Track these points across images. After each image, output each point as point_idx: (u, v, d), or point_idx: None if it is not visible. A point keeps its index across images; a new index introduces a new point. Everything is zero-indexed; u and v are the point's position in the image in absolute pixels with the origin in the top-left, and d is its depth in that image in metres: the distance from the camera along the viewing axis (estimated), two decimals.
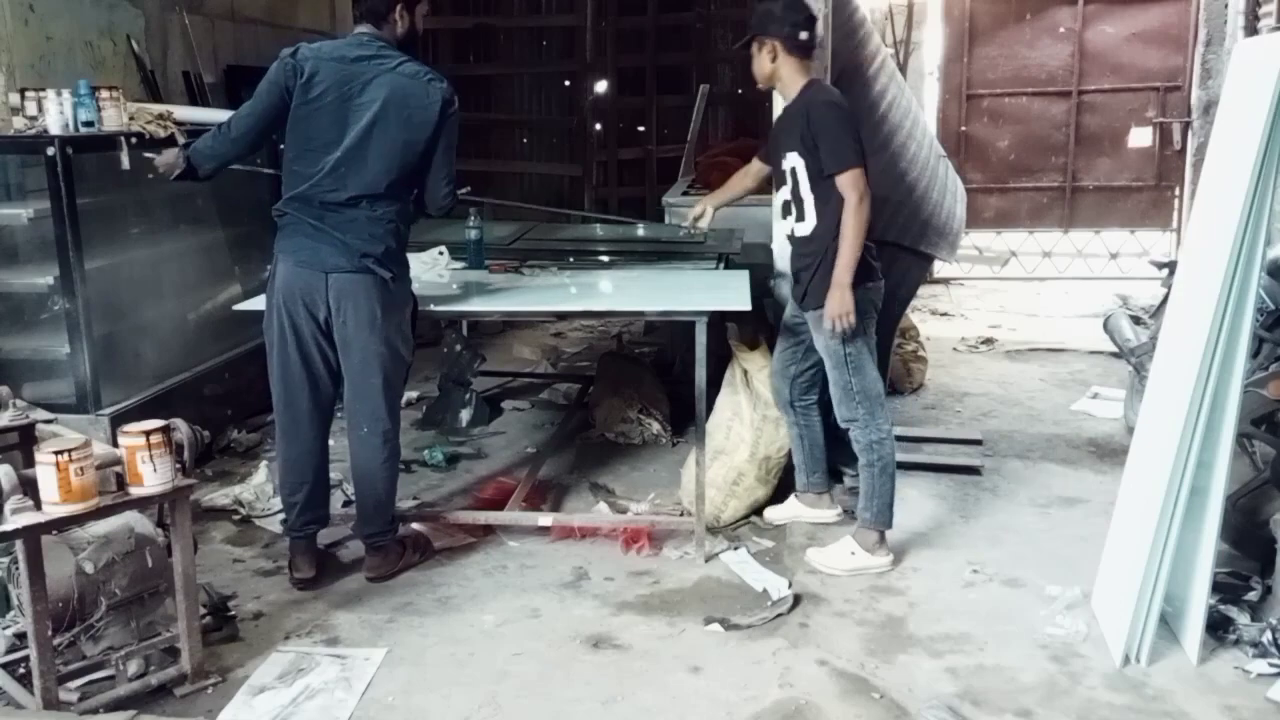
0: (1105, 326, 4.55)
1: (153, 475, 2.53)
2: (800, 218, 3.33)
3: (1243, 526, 3.12)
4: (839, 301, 3.19)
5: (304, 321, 3.17)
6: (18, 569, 2.45)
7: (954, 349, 6.24)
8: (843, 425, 3.41)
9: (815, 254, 3.29)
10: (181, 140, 4.31)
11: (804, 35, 3.28)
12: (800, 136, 3.24)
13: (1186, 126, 7.51)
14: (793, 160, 3.30)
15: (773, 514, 3.74)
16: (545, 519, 3.68)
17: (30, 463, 2.57)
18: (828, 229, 3.24)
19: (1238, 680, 2.71)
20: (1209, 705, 2.62)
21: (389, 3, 3.14)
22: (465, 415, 4.86)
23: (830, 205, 3.22)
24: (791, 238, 3.43)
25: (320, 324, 3.18)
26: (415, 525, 3.64)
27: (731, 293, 3.54)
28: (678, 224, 5.34)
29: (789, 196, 3.37)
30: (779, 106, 3.76)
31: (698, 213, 3.75)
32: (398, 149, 3.11)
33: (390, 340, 3.20)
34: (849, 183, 3.16)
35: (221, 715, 2.63)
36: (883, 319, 3.87)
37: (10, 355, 3.96)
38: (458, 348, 4.95)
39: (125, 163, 4.01)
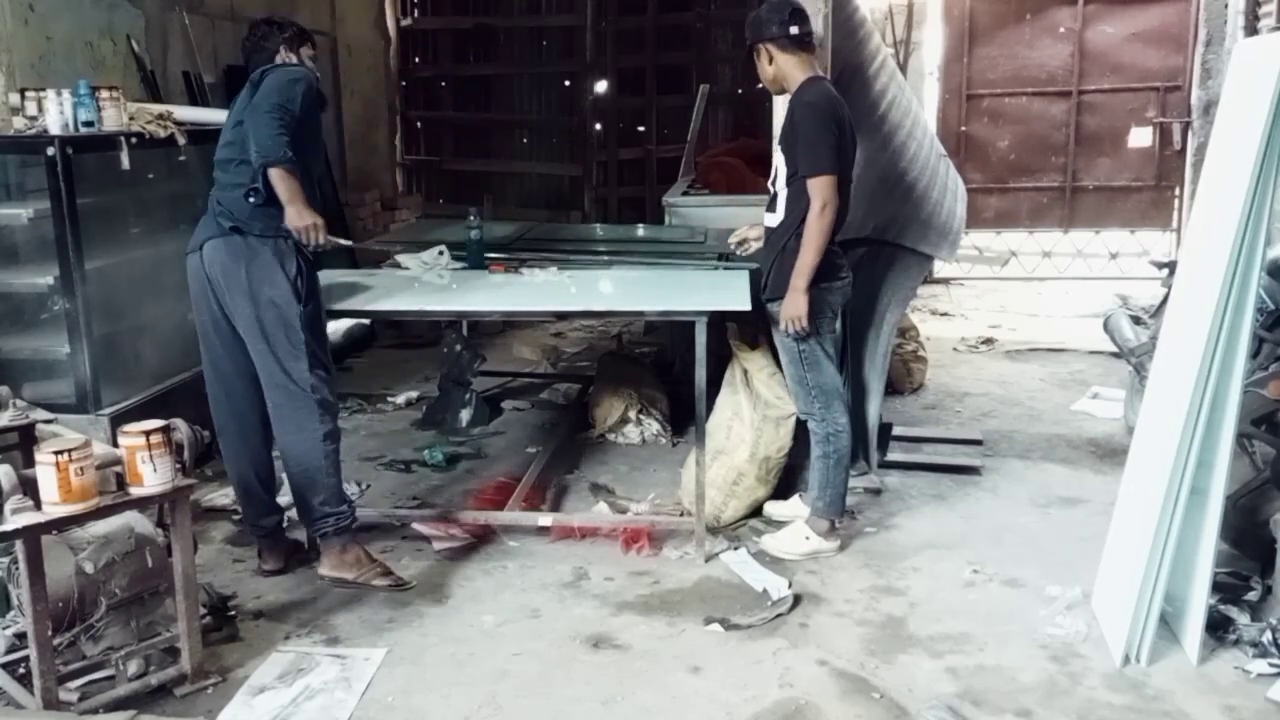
0: (1105, 326, 4.55)
1: (153, 475, 2.53)
2: (771, 208, 3.40)
3: (1243, 526, 3.12)
4: (793, 304, 3.25)
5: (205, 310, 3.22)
6: (18, 569, 2.45)
7: (954, 349, 6.24)
8: (802, 417, 3.52)
9: (775, 246, 3.36)
10: (182, 140, 4.32)
11: (794, 30, 3.29)
12: (784, 133, 3.32)
13: (1186, 126, 7.51)
14: (779, 154, 3.38)
15: (773, 508, 3.75)
16: (545, 519, 3.68)
17: (30, 463, 2.57)
18: (790, 224, 3.30)
19: (1238, 680, 2.71)
20: (1209, 705, 2.62)
21: (275, 46, 3.30)
22: (465, 415, 4.86)
23: (799, 204, 3.26)
24: (766, 226, 3.48)
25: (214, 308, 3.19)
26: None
27: (731, 293, 3.54)
28: (678, 224, 5.36)
29: (770, 185, 3.43)
30: (780, 108, 3.77)
31: (739, 239, 3.77)
32: (231, 123, 3.22)
33: (263, 297, 3.10)
34: (815, 189, 3.19)
35: (221, 715, 2.63)
36: (883, 319, 3.89)
37: (10, 355, 3.96)
38: (458, 348, 4.95)
39: (125, 163, 4.01)
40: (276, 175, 3.01)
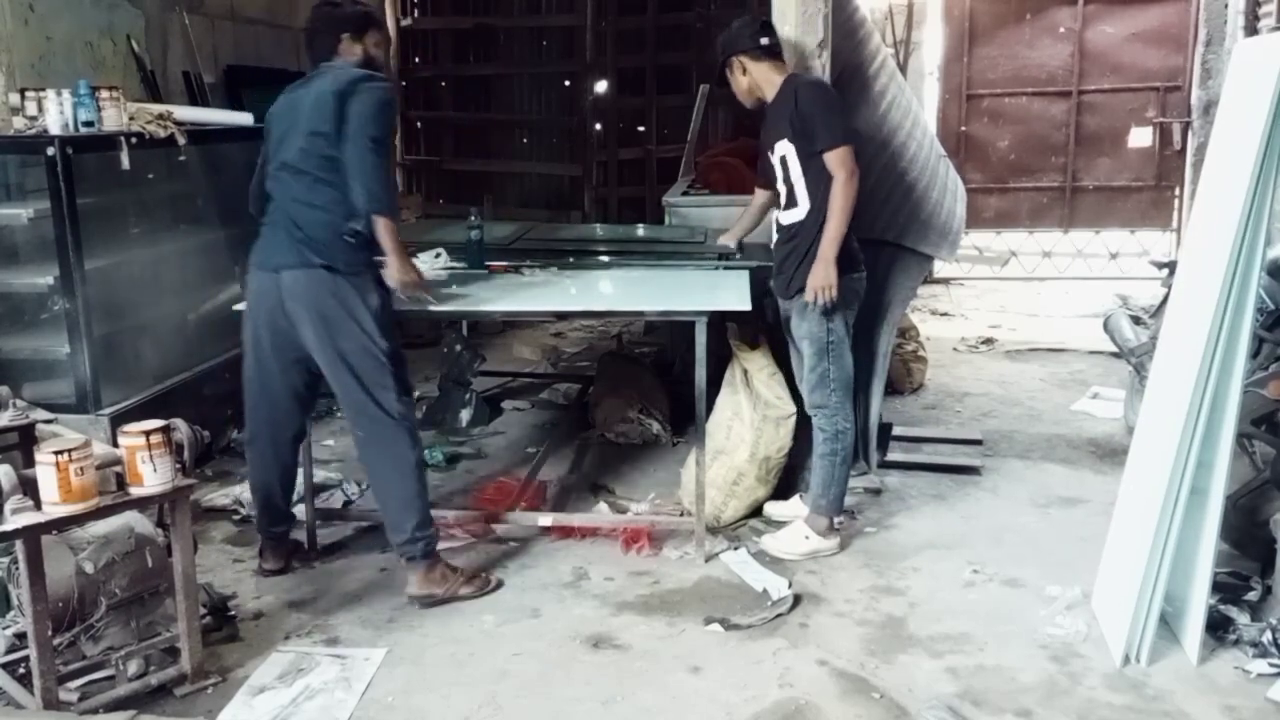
0: (1105, 326, 4.54)
1: (153, 475, 2.53)
2: (791, 204, 3.37)
3: (1243, 526, 3.12)
4: (822, 275, 3.25)
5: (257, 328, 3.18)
6: (18, 569, 2.45)
7: (954, 349, 6.24)
8: (810, 411, 3.50)
9: (806, 239, 3.34)
10: (182, 140, 4.32)
11: (765, 40, 3.39)
12: (789, 120, 3.31)
13: (1186, 126, 7.51)
14: (782, 148, 3.35)
15: (773, 509, 3.75)
16: (545, 519, 3.68)
17: (30, 463, 2.57)
18: (820, 212, 3.28)
19: (1238, 680, 2.71)
20: (1209, 705, 2.62)
21: (332, 37, 3.15)
22: (465, 415, 4.86)
23: (822, 188, 3.27)
24: (779, 226, 3.47)
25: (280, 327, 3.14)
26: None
27: (731, 293, 3.54)
28: (678, 224, 5.35)
29: (779, 186, 3.42)
30: None
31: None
32: (307, 135, 3.05)
33: (352, 334, 3.07)
34: (838, 160, 3.22)
35: (221, 715, 2.63)
36: (883, 319, 3.88)
37: (10, 355, 3.96)
38: (458, 348, 4.95)
39: (125, 163, 4.01)
40: (384, 226, 2.99)
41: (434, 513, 3.78)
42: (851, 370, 3.45)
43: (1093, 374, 5.62)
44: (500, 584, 3.30)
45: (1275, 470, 3.06)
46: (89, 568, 2.64)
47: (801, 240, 3.35)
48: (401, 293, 3.13)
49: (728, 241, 3.94)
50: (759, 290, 3.62)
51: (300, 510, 3.52)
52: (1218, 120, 2.97)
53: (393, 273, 3.06)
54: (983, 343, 6.37)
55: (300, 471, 3.48)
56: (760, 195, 3.73)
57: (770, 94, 3.40)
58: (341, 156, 2.98)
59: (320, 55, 3.17)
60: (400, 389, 3.14)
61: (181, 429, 2.68)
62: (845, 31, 3.83)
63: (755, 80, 3.41)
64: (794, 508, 3.71)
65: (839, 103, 3.37)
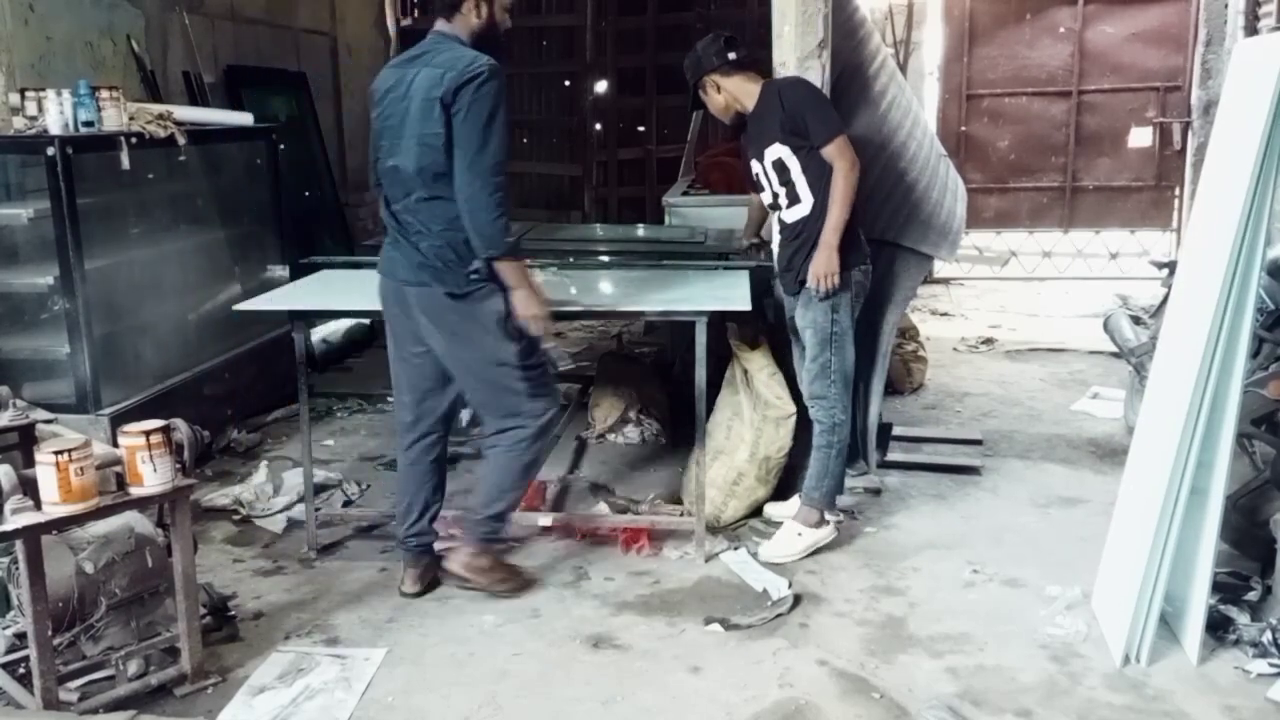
0: (1105, 326, 4.54)
1: (153, 475, 2.53)
2: (794, 202, 3.38)
3: (1243, 526, 3.12)
4: (825, 261, 3.28)
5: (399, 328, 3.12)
6: (18, 569, 2.45)
7: (954, 349, 6.24)
8: (808, 402, 3.51)
9: (812, 233, 3.35)
10: (182, 140, 4.33)
11: (732, 55, 3.41)
12: (779, 123, 3.32)
13: (1186, 126, 7.51)
14: (776, 152, 3.36)
15: (773, 509, 3.75)
16: (545, 519, 3.68)
17: (30, 463, 2.57)
18: (824, 206, 3.30)
19: (1238, 680, 2.71)
20: (1209, 705, 2.62)
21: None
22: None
23: (824, 181, 3.29)
24: (782, 225, 3.48)
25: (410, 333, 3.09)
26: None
27: (731, 293, 3.54)
28: (678, 224, 5.36)
29: (776, 189, 3.42)
30: None
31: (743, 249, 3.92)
32: (416, 143, 2.90)
33: (482, 351, 3.01)
34: (836, 150, 3.24)
35: (221, 715, 2.63)
36: (883, 319, 3.88)
37: (10, 355, 3.96)
38: None
39: (125, 163, 4.02)
40: (504, 268, 2.92)
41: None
42: (853, 363, 3.46)
43: (1093, 374, 5.62)
44: (531, 582, 3.30)
45: (1275, 470, 3.06)
46: (89, 568, 2.64)
47: (808, 235, 3.36)
48: (526, 327, 3.00)
49: (748, 240, 3.97)
50: (759, 290, 3.63)
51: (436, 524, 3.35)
52: (1218, 120, 2.97)
53: (519, 305, 2.95)
54: (983, 343, 6.37)
55: (301, 471, 3.48)
56: (758, 198, 3.73)
57: (750, 104, 3.42)
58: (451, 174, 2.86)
59: (439, 9, 2.98)
60: (534, 390, 3.07)
61: (181, 429, 2.68)
62: (845, 31, 3.83)
63: (732, 95, 3.43)
64: (794, 508, 3.71)
65: (824, 95, 3.42)
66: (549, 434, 3.20)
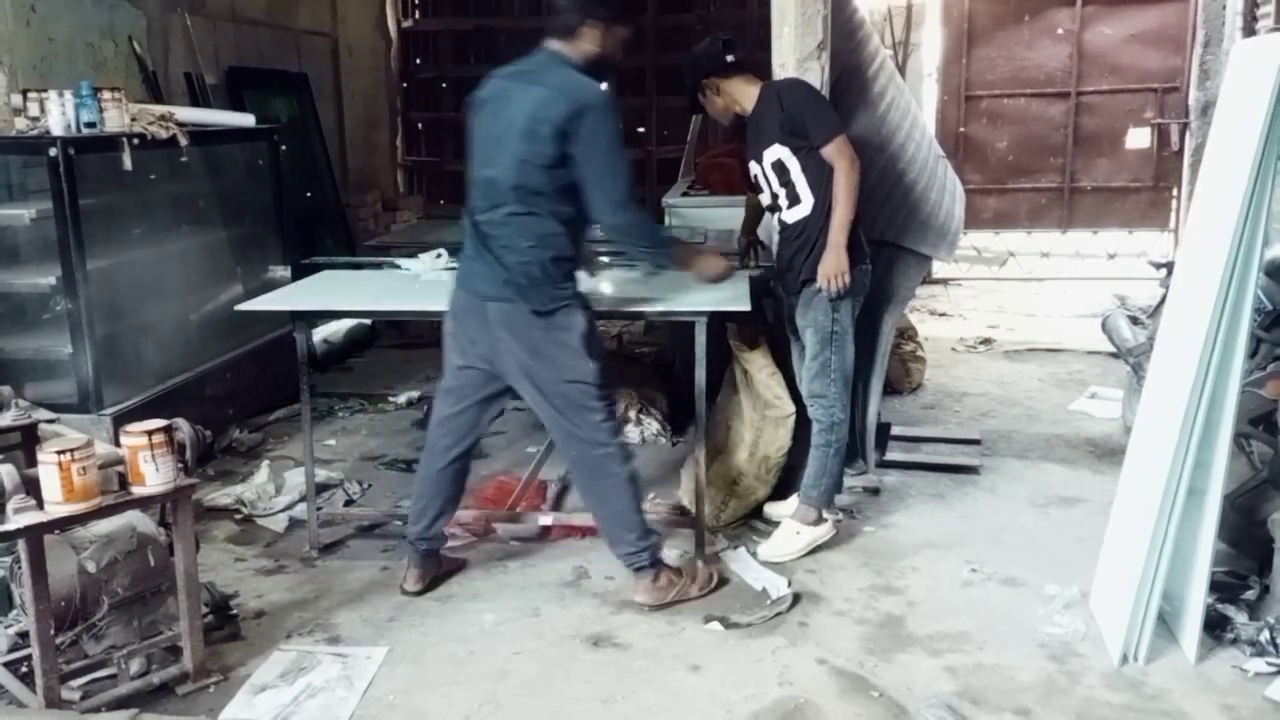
0: (1103, 327, 4.56)
1: (155, 475, 2.54)
2: (794, 202, 3.39)
3: (1240, 526, 3.13)
4: (834, 261, 3.29)
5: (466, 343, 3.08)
6: (20, 568, 2.47)
7: (952, 349, 6.25)
8: (807, 401, 3.52)
9: (813, 233, 3.36)
10: (184, 141, 4.34)
11: (730, 57, 3.42)
12: (779, 124, 3.33)
13: (1184, 127, 7.52)
14: (775, 152, 3.37)
15: (773, 509, 3.76)
16: (545, 519, 3.69)
17: (33, 462, 2.57)
18: (825, 205, 3.32)
19: (1235, 679, 2.72)
20: (1207, 704, 2.63)
21: (579, 17, 2.93)
22: None
23: (824, 181, 3.30)
24: (782, 226, 3.49)
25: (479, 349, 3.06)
26: (700, 562, 3.41)
27: (731, 293, 3.55)
28: (678, 225, 5.36)
29: (776, 190, 3.43)
30: None
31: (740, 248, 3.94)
32: (516, 159, 2.89)
33: (561, 371, 2.99)
34: (836, 150, 3.26)
35: (223, 714, 2.64)
36: (882, 319, 3.90)
37: (13, 355, 3.97)
38: None
39: (127, 163, 4.03)
40: (676, 257, 3.23)
41: None
42: (852, 362, 3.47)
43: (1091, 374, 5.63)
44: (726, 581, 3.29)
45: (1273, 470, 3.07)
46: (91, 567, 2.65)
47: (809, 235, 3.37)
48: (708, 280, 3.30)
49: (745, 238, 3.96)
50: (759, 290, 3.64)
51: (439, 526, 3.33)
52: (1216, 121, 2.98)
53: (709, 271, 3.28)
54: (981, 343, 6.38)
55: (302, 471, 3.49)
56: (754, 198, 3.74)
57: (749, 106, 3.43)
58: (573, 178, 2.87)
59: (557, 30, 2.97)
60: (606, 410, 3.06)
61: (183, 428, 2.69)
62: (844, 33, 3.84)
63: (731, 97, 3.44)
64: (793, 508, 3.72)
65: (822, 96, 3.45)
66: (627, 452, 3.16)
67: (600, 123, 2.84)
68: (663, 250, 3.21)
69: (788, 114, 3.30)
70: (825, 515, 3.53)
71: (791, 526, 3.50)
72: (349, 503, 4.01)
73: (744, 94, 3.43)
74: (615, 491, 3.11)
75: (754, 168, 3.47)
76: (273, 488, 3.99)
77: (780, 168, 3.37)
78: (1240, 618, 2.89)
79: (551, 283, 2.94)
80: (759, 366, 3.72)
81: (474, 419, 3.20)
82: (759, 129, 3.42)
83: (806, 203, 3.36)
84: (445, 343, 3.16)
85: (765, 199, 3.53)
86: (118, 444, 2.68)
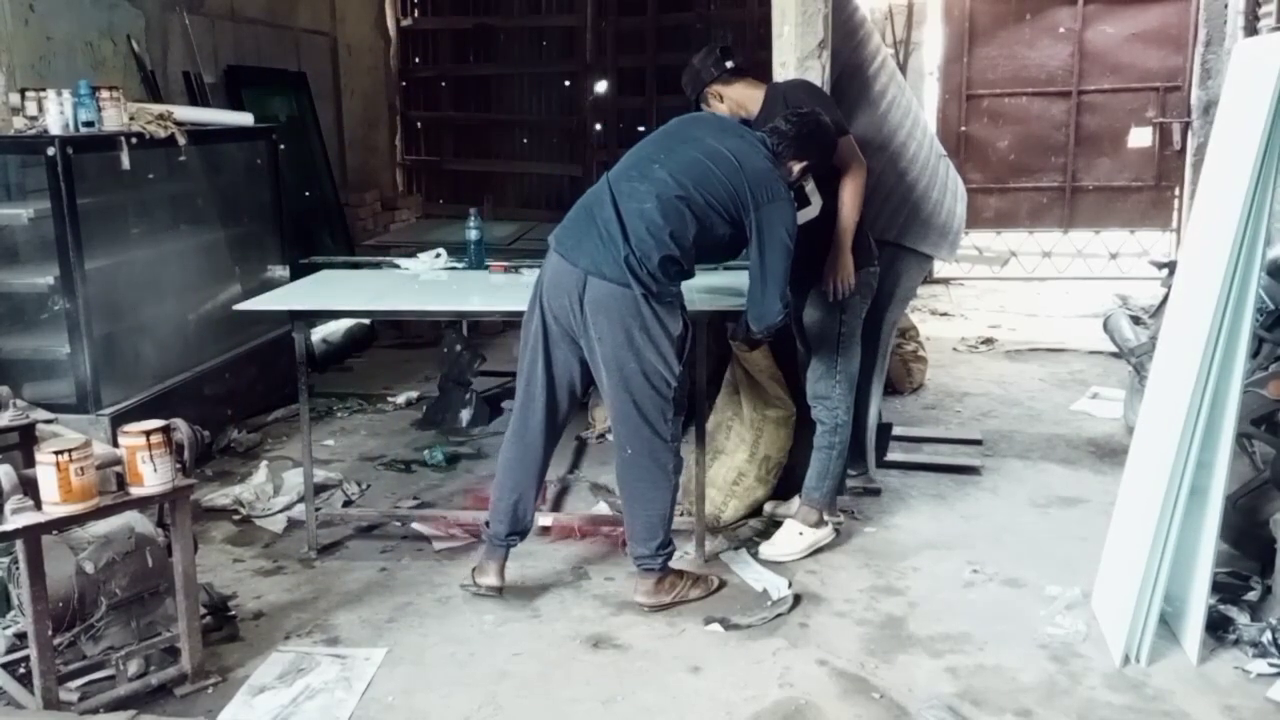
0: (1105, 326, 4.55)
1: (153, 475, 2.53)
2: (802, 204, 3.37)
3: (1242, 526, 3.12)
4: (841, 264, 3.29)
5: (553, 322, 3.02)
6: (18, 569, 2.45)
7: (954, 349, 6.24)
8: (811, 402, 3.51)
9: (819, 235, 3.33)
10: (182, 140, 4.33)
11: (729, 63, 3.42)
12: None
13: (1186, 127, 7.52)
14: None
15: (774, 508, 3.75)
16: (545, 519, 3.68)
17: (30, 463, 2.57)
18: (833, 207, 3.31)
19: (1238, 680, 2.71)
20: (1209, 705, 2.62)
21: (792, 153, 3.05)
22: (465, 415, 4.86)
23: (830, 183, 3.29)
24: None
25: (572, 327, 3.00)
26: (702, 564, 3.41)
27: (731, 293, 3.54)
28: None
29: None
30: None
31: None
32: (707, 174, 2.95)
33: (646, 361, 2.95)
34: (844, 151, 3.26)
35: (222, 715, 2.63)
36: (883, 319, 3.88)
37: (10, 355, 3.96)
38: (458, 348, 4.95)
39: (125, 163, 4.02)
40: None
41: (434, 512, 3.82)
42: (858, 364, 3.47)
43: (1092, 374, 5.62)
44: (724, 584, 3.27)
45: (1275, 470, 3.06)
46: (89, 568, 2.64)
47: (814, 236, 3.35)
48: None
49: None
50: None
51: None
52: (1217, 120, 2.97)
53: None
54: (982, 343, 6.38)
55: (301, 471, 3.48)
56: None
57: (754, 109, 3.41)
58: (752, 257, 3.00)
59: (773, 135, 3.06)
60: (675, 411, 3.04)
61: (182, 429, 2.68)
62: (845, 32, 3.83)
63: (736, 102, 3.43)
64: (794, 507, 3.71)
65: (829, 97, 3.43)
66: (682, 461, 3.15)
67: (783, 226, 2.97)
68: (772, 325, 3.13)
69: (788, 108, 3.28)
70: (826, 519, 3.52)
71: (794, 527, 3.49)
72: (348, 503, 4.00)
73: (748, 98, 3.42)
74: (658, 497, 3.08)
75: None
76: (271, 488, 3.98)
77: None
78: (1242, 619, 2.88)
79: (667, 274, 2.93)
80: (759, 367, 3.71)
81: (565, 400, 3.15)
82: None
83: (815, 204, 3.34)
84: (531, 320, 3.09)
85: None
86: (116, 444, 2.67)
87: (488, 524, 3.23)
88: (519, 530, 3.21)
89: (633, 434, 3.04)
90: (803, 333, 3.57)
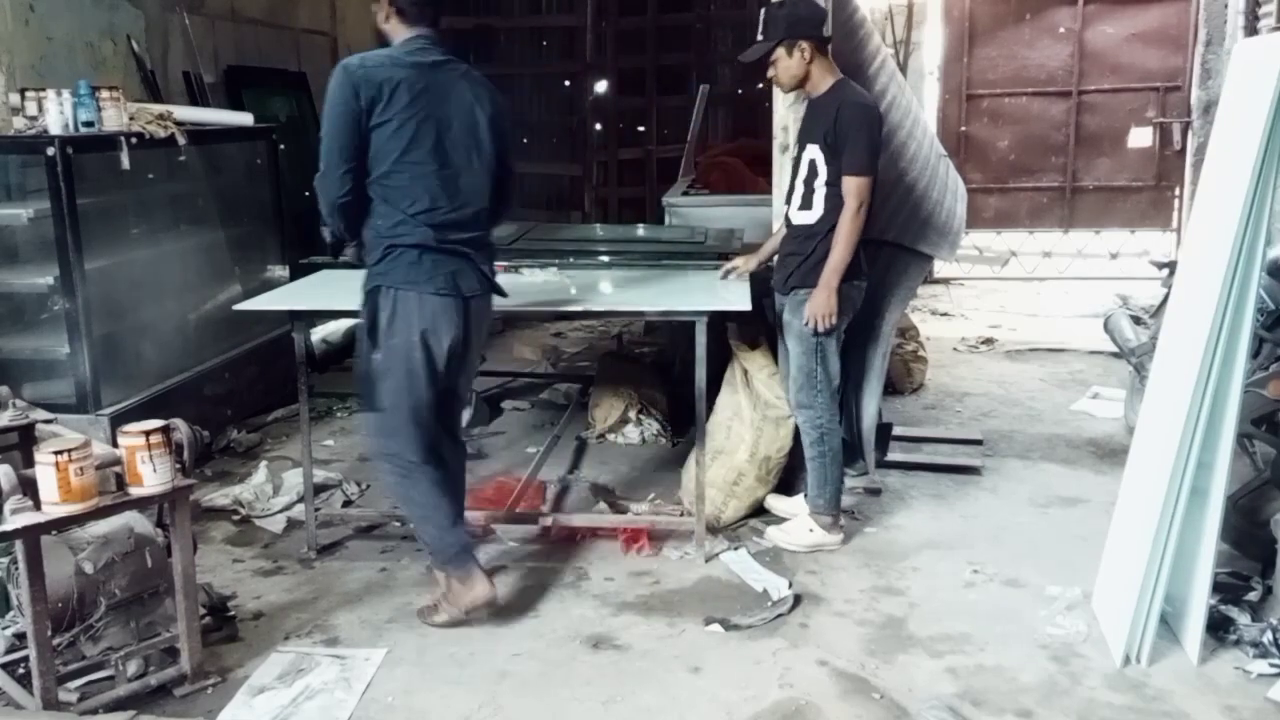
0: (1105, 326, 4.55)
1: (152, 475, 2.53)
2: (806, 205, 3.39)
3: (1243, 527, 3.12)
4: (824, 302, 3.30)
5: (441, 354, 2.93)
6: (17, 569, 2.45)
7: (954, 349, 6.24)
8: (794, 411, 3.54)
9: (810, 244, 3.36)
10: (182, 140, 4.32)
11: (827, 32, 3.39)
12: (824, 132, 3.31)
13: (1186, 127, 7.51)
14: (813, 152, 3.37)
15: (775, 502, 3.75)
16: (545, 519, 3.68)
17: (30, 463, 2.57)
18: (829, 223, 3.31)
19: (1238, 680, 2.71)
20: (1209, 705, 2.62)
21: (440, 4, 2.96)
22: (465, 415, 4.84)
23: (838, 202, 3.29)
24: (788, 223, 3.49)
25: (450, 350, 2.96)
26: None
27: (731, 293, 3.54)
28: (678, 224, 5.36)
29: (797, 185, 3.43)
30: (779, 103, 3.77)
31: (732, 266, 3.82)
32: (492, 156, 2.96)
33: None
34: (854, 189, 3.25)
35: (221, 715, 2.63)
36: (883, 319, 3.89)
37: (10, 355, 3.96)
38: None
39: (125, 163, 4.02)
40: None
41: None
42: (839, 373, 3.49)
43: (1093, 374, 5.62)
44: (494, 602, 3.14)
45: (1275, 470, 3.06)
46: (89, 568, 2.64)
47: (808, 243, 3.37)
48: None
49: (741, 264, 3.79)
50: (759, 290, 3.63)
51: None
52: (1218, 120, 2.97)
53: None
54: (983, 343, 6.37)
55: (300, 471, 3.47)
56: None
57: (820, 90, 3.35)
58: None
59: (427, 20, 2.91)
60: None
61: (181, 429, 2.68)
62: (845, 32, 3.82)
63: (812, 71, 3.33)
64: (796, 505, 3.71)
65: (876, 131, 3.31)
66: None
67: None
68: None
69: (837, 128, 3.26)
70: (842, 524, 3.55)
71: (807, 522, 3.53)
72: (347, 503, 3.99)
73: (821, 78, 3.35)
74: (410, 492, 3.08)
75: (795, 151, 3.47)
76: (271, 488, 3.98)
77: (812, 168, 3.37)
78: (1243, 619, 2.88)
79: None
80: (759, 366, 3.71)
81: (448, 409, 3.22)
82: (813, 121, 3.40)
83: (817, 211, 3.36)
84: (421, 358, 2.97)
85: (784, 187, 3.51)
86: (115, 444, 2.67)
87: (466, 549, 3.07)
88: (474, 535, 3.29)
89: (451, 420, 3.23)
90: (782, 328, 3.58)
